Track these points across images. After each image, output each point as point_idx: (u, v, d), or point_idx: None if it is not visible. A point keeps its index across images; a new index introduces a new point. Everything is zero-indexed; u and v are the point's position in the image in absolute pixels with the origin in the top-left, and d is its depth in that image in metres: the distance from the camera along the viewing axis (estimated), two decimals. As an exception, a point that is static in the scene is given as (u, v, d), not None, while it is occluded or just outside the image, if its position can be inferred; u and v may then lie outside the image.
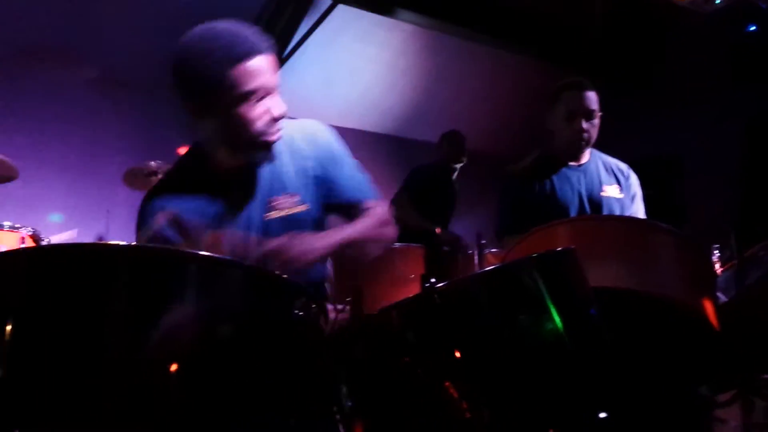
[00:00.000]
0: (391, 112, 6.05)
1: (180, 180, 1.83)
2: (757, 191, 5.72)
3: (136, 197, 4.15)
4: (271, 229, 1.77)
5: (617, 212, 2.67)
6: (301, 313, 1.16)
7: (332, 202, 1.89)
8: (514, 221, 2.66)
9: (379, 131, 5.98)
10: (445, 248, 3.36)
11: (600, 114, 2.69)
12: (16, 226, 2.74)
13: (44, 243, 2.78)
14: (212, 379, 1.05)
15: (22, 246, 2.67)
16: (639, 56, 6.07)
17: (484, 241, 2.59)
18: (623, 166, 2.83)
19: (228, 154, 1.76)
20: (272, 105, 1.67)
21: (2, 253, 1.10)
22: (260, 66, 1.63)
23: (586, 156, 2.77)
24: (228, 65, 1.60)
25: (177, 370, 1.03)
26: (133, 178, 3.72)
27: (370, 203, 1.91)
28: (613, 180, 2.73)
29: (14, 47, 4.31)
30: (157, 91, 4.66)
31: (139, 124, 4.67)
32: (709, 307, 1.67)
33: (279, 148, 1.79)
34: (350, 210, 1.89)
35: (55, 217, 4.21)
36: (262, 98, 1.65)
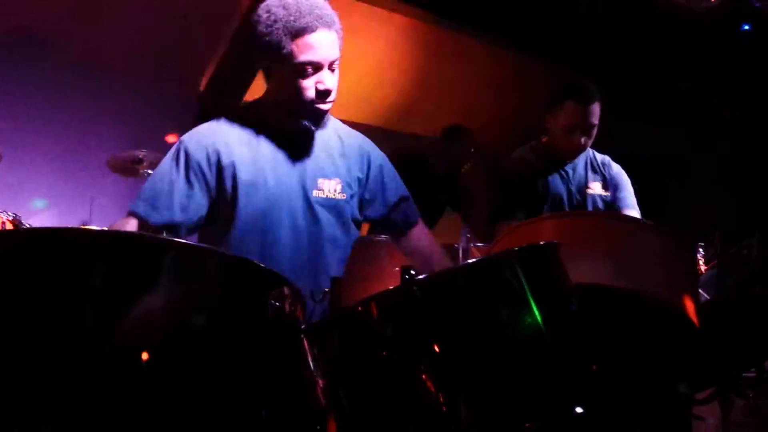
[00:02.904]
0: (382, 105, 6.03)
1: (236, 127, 1.95)
2: (747, 191, 5.75)
3: (122, 185, 4.13)
4: (316, 206, 1.92)
5: (601, 209, 2.69)
6: (277, 304, 1.16)
7: (381, 205, 2.08)
8: (508, 209, 2.66)
9: (370, 123, 5.96)
10: None
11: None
12: (-3, 211, 2.70)
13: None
14: (183, 368, 1.04)
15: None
16: (633, 54, 6.06)
17: (469, 235, 2.59)
18: (606, 158, 2.84)
19: (282, 116, 1.93)
20: (323, 78, 1.83)
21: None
22: (316, 41, 1.80)
23: None
24: (288, 37, 1.78)
25: (149, 359, 1.02)
26: (119, 165, 3.70)
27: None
28: (598, 177, 2.76)
29: (-5, 35, 4.24)
30: (147, 80, 4.62)
31: (127, 112, 4.60)
32: (690, 304, 1.67)
33: (332, 137, 2.01)
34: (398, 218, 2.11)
35: (39, 204, 4.17)
36: (315, 71, 1.82)
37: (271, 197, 1.87)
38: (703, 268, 2.35)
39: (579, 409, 1.18)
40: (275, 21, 1.79)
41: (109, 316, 1.03)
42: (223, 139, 1.90)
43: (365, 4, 5.19)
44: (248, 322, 1.13)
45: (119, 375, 1.01)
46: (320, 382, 1.23)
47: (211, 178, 1.87)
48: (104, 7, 4.39)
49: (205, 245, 1.13)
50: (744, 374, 2.39)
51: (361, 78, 5.68)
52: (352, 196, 1.99)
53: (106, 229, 1.08)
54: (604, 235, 1.77)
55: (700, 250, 2.41)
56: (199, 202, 1.87)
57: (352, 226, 2.02)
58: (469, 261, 1.32)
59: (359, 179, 2.03)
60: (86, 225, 3.93)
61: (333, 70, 1.87)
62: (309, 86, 1.83)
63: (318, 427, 1.24)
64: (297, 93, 1.84)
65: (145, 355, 1.03)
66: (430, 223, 4.40)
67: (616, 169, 2.79)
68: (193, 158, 1.86)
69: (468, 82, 6.09)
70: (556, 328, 1.22)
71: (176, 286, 1.07)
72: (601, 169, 2.78)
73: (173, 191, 1.85)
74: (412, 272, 1.20)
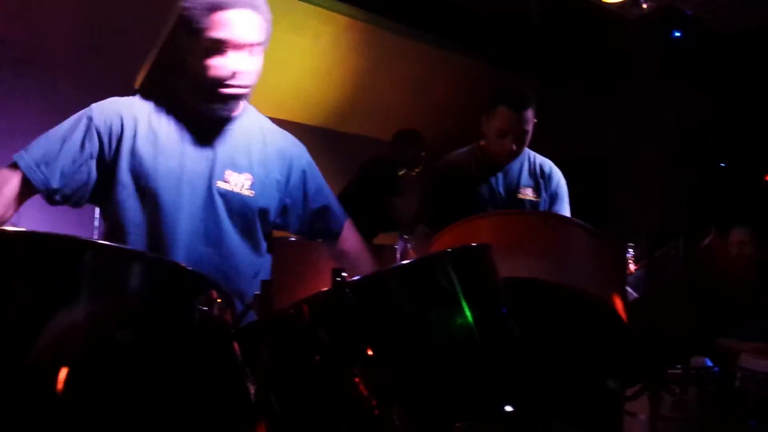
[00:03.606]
0: (323, 105, 6.01)
1: (149, 104, 1.86)
2: (680, 193, 5.93)
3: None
4: (217, 197, 1.82)
5: None
6: (205, 308, 1.13)
7: (305, 210, 2.02)
8: (433, 213, 2.68)
9: (311, 123, 5.93)
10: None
11: (534, 121, 2.69)
12: None
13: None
14: (105, 377, 1.00)
15: None
16: (573, 56, 6.20)
17: (406, 237, 2.60)
18: (547, 166, 2.85)
19: (194, 99, 1.82)
20: (238, 60, 1.74)
21: None
22: (234, 19, 1.71)
23: None
24: (205, 12, 1.70)
25: (70, 367, 0.98)
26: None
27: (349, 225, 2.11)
28: (532, 182, 2.77)
29: None
30: (80, 76, 4.48)
31: (59, 109, 4.44)
32: (618, 302, 1.71)
33: (254, 131, 1.91)
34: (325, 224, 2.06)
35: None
36: (230, 50, 1.73)
37: (170, 179, 1.77)
38: (632, 267, 2.41)
39: (509, 408, 1.20)
40: None
41: (28, 321, 0.99)
42: (132, 113, 1.81)
43: (306, 4, 5.16)
44: (174, 328, 1.10)
45: (39, 384, 0.97)
46: (251, 387, 1.21)
47: (108, 149, 1.77)
48: (37, 3, 4.25)
49: (128, 247, 1.09)
50: (671, 371, 2.46)
51: (302, 78, 5.65)
52: (264, 196, 1.90)
53: (22, 229, 1.03)
54: (536, 233, 1.79)
55: (630, 250, 2.48)
56: (86, 172, 1.76)
57: (259, 228, 1.91)
58: (402, 263, 1.32)
59: (278, 182, 1.94)
60: (14, 226, 3.77)
61: (253, 56, 1.79)
62: (217, 65, 1.74)
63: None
64: (204, 71, 1.74)
65: (66, 363, 0.98)
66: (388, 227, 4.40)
67: (556, 180, 2.80)
68: (95, 125, 1.78)
69: (411, 83, 6.11)
70: (486, 329, 1.23)
71: (97, 289, 1.03)
72: (538, 176, 2.80)
73: (60, 154, 1.75)
74: (344, 274, 1.19)
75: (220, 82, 1.75)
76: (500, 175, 2.76)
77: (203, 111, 1.82)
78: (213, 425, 1.16)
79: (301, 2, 5.11)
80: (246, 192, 1.85)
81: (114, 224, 1.78)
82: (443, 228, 1.84)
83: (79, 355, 1.00)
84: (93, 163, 1.77)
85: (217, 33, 1.71)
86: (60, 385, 0.97)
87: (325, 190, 2.08)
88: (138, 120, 1.81)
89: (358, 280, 1.21)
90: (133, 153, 1.78)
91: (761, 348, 3.32)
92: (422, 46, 5.92)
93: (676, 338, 2.04)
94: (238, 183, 1.83)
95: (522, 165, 2.80)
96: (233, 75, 1.75)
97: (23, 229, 1.03)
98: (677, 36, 5.94)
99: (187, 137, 1.83)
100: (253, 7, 1.75)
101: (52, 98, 4.46)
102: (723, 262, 2.22)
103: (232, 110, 1.85)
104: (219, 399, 1.17)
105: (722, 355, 3.14)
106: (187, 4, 1.73)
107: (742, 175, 5.59)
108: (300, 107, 5.71)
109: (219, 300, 1.16)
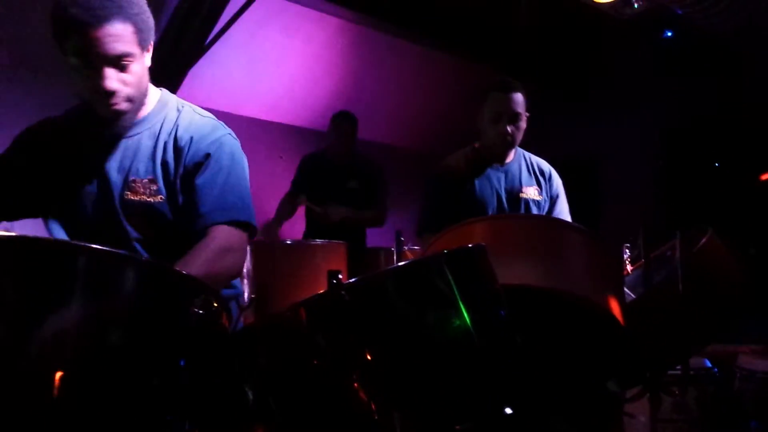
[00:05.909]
0: (317, 107, 5.98)
1: (66, 121, 1.84)
2: (670, 193, 5.94)
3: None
4: (129, 209, 1.72)
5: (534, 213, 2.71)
6: (201, 312, 1.11)
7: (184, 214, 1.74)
8: (435, 219, 2.66)
9: (306, 126, 5.91)
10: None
11: (527, 115, 2.72)
12: None
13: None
14: (102, 387, 0.99)
15: None
16: (562, 57, 6.20)
17: (403, 239, 2.57)
18: (546, 166, 2.86)
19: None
20: (105, 77, 1.60)
21: None
22: (101, 36, 1.57)
23: (511, 156, 2.80)
24: (75, 31, 1.57)
25: (63, 375, 0.97)
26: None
27: (216, 228, 1.70)
28: (533, 182, 2.78)
29: None
30: (59, 77, 4.44)
31: (41, 108, 4.41)
32: (615, 304, 1.69)
33: (155, 128, 1.77)
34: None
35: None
36: (100, 68, 1.60)
37: (84, 199, 1.75)
38: (629, 268, 2.40)
39: (508, 410, 1.18)
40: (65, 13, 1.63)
41: (22, 326, 0.97)
42: (59, 132, 1.81)
43: (298, 5, 5.13)
44: (170, 331, 1.09)
45: (35, 388, 0.96)
46: (249, 390, 1.20)
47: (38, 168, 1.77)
48: (20, 5, 4.21)
49: (120, 251, 1.07)
50: (670, 372, 2.45)
51: (297, 80, 5.63)
52: (172, 197, 1.76)
53: (13, 234, 1.02)
54: (533, 236, 1.78)
55: (626, 251, 2.46)
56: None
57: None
58: (398, 264, 1.31)
59: (186, 172, 1.75)
60: (8, 230, 3.74)
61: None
62: (90, 87, 1.64)
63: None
64: (86, 92, 1.67)
65: (61, 368, 0.97)
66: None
67: (556, 182, 2.83)
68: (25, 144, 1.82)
69: (404, 85, 6.11)
70: (484, 330, 1.22)
71: (91, 294, 1.02)
72: (538, 175, 2.81)
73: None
74: (339, 276, 1.18)
75: (96, 103, 1.66)
76: (501, 176, 2.75)
77: (106, 125, 1.72)
78: (210, 430, 1.15)
79: (293, 4, 5.09)
80: (154, 198, 1.73)
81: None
82: None
83: (74, 359, 0.98)
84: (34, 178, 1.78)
85: (84, 54, 1.59)
86: (55, 389, 0.96)
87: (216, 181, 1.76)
88: (63, 139, 1.78)
89: (354, 282, 1.19)
90: (55, 174, 1.75)
91: (759, 349, 3.32)
92: (415, 47, 5.92)
93: (674, 339, 2.03)
94: (142, 190, 1.72)
95: (520, 165, 2.81)
96: (107, 95, 1.63)
97: (15, 234, 1.01)
98: (669, 36, 5.95)
99: (97, 154, 1.76)
100: (122, 17, 1.60)
101: (43, 100, 4.42)
102: (721, 261, 2.21)
103: (124, 124, 1.72)
104: (216, 403, 1.16)
105: (721, 356, 3.13)
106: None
107: (736, 175, 5.60)
108: (294, 110, 5.69)
109: (215, 304, 1.14)
